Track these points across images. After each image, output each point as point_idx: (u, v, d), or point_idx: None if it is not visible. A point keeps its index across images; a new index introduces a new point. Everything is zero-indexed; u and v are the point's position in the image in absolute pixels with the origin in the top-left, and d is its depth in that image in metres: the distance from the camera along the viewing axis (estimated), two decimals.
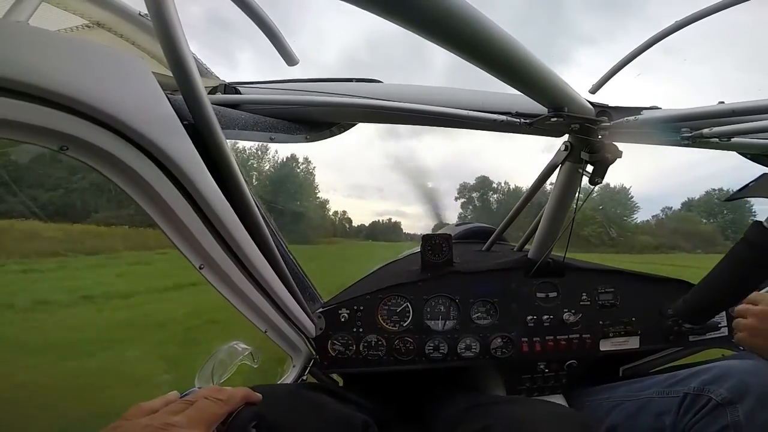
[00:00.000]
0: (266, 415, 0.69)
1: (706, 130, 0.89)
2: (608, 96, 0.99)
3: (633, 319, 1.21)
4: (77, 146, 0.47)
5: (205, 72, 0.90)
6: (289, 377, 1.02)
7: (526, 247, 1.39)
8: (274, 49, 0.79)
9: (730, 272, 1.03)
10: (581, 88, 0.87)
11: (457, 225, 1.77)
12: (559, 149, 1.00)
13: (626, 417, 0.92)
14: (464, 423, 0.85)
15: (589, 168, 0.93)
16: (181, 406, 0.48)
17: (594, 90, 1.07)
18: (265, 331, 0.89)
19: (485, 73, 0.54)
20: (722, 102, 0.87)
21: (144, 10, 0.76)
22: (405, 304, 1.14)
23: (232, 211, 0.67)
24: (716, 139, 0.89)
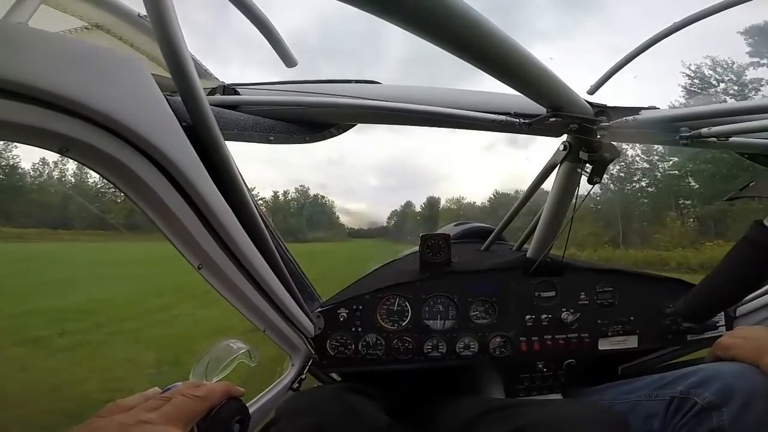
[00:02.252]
0: (308, 422, 0.70)
1: (704, 130, 0.89)
2: (607, 96, 0.99)
3: (631, 318, 1.21)
4: (77, 148, 0.47)
5: (203, 73, 0.90)
6: (287, 376, 1.03)
7: (525, 246, 1.40)
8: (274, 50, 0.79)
9: (731, 272, 1.03)
10: (580, 89, 0.88)
11: (455, 225, 1.77)
12: (558, 149, 1.01)
13: None
14: (485, 425, 0.83)
15: (588, 167, 0.93)
16: (158, 403, 0.47)
17: (592, 91, 1.07)
18: (264, 331, 0.89)
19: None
20: (721, 102, 0.87)
21: (143, 12, 0.76)
22: (404, 304, 1.14)
23: (231, 211, 0.67)
24: (714, 139, 0.89)
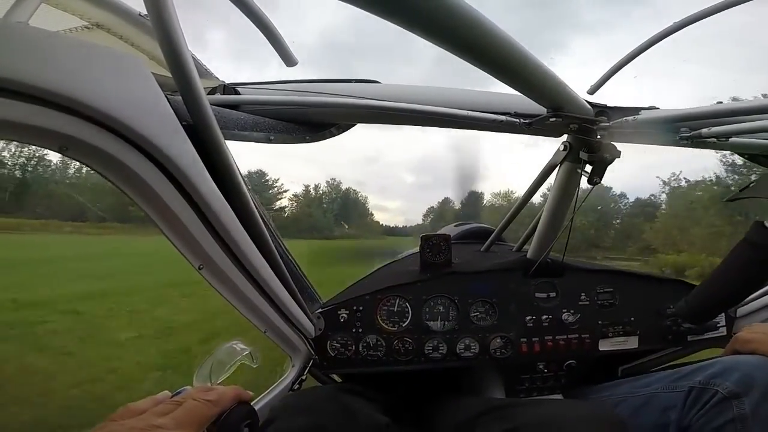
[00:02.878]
0: (304, 422, 0.70)
1: (704, 130, 0.89)
2: (607, 97, 0.99)
3: (632, 319, 1.21)
4: (77, 147, 0.47)
5: (204, 73, 0.90)
6: (288, 377, 1.02)
7: (525, 247, 1.40)
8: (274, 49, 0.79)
9: (732, 273, 1.04)
10: (580, 89, 0.87)
11: (456, 225, 1.77)
12: (558, 149, 1.01)
13: (630, 413, 0.92)
14: (483, 425, 0.83)
15: (588, 168, 0.93)
16: (169, 407, 0.47)
17: (592, 90, 1.07)
18: (264, 331, 0.89)
19: (478, 68, 0.54)
20: (720, 102, 0.88)
21: (144, 11, 0.76)
22: (404, 305, 1.14)
23: (231, 211, 0.67)
24: (714, 139, 0.89)
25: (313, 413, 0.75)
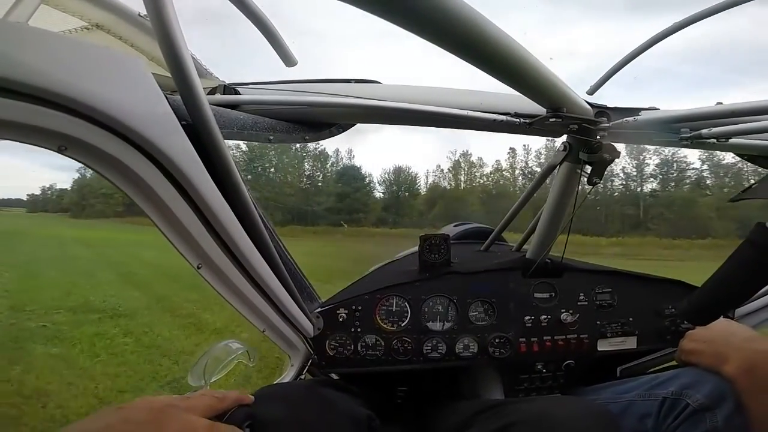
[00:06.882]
0: (281, 412, 0.70)
1: (705, 131, 0.89)
2: (607, 97, 0.99)
3: (630, 319, 1.21)
4: (76, 146, 0.48)
5: (204, 73, 0.90)
6: (287, 376, 1.03)
7: (525, 247, 1.40)
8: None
9: (734, 273, 1.03)
10: (580, 89, 0.88)
11: (455, 225, 1.77)
12: (558, 149, 1.01)
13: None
14: (479, 423, 0.83)
15: (588, 168, 0.93)
16: (182, 396, 0.55)
17: (592, 91, 1.07)
18: (263, 330, 0.89)
19: (478, 69, 0.54)
20: (720, 103, 0.87)
21: (143, 11, 0.76)
22: (403, 304, 1.14)
23: (230, 210, 0.67)
24: (714, 140, 0.89)
25: (290, 404, 0.72)
